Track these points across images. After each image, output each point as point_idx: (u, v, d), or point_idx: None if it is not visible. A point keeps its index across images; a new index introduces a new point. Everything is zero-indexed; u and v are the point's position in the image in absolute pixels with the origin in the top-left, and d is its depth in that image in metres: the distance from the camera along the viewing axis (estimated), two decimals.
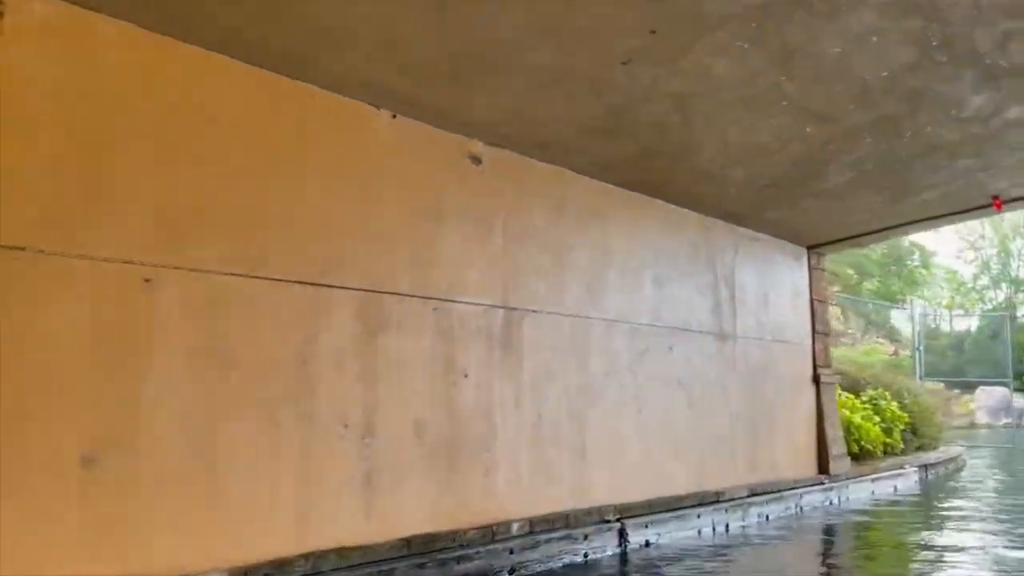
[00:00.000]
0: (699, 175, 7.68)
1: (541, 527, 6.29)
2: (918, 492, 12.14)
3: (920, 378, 17.37)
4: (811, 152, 7.26)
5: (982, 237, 49.13)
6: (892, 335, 33.40)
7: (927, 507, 10.85)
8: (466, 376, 5.98)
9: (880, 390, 13.53)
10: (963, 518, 9.52)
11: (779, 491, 9.25)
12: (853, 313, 26.43)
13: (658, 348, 8.02)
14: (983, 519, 9.41)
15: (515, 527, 6.08)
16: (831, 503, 10.12)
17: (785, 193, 8.56)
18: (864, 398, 13.35)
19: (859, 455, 12.18)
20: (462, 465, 5.85)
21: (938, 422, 15.30)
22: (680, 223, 8.54)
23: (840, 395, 13.22)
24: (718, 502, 8.31)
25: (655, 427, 7.84)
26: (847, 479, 10.74)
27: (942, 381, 22.26)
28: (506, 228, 6.51)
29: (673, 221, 8.43)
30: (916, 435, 13.99)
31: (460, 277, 6.06)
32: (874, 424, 12.55)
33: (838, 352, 46.63)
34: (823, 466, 10.46)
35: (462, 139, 6.19)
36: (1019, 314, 48.99)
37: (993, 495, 12.09)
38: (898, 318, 55.11)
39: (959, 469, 15.68)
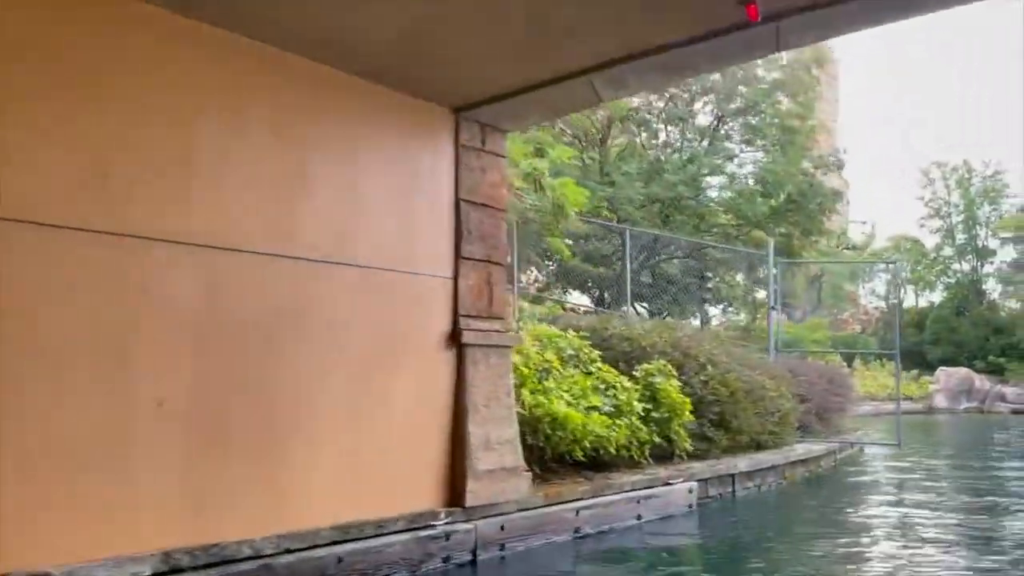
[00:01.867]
0: None
1: None
2: (687, 523, 7.59)
3: (775, 350, 12.76)
4: None
5: (947, 203, 44.52)
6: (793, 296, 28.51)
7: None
8: None
9: (661, 363, 8.90)
10: None
11: (279, 553, 4.66)
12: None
13: None
14: None
15: None
16: (448, 562, 5.53)
17: None
18: (638, 374, 8.74)
19: (595, 463, 7.61)
20: None
21: (787, 408, 10.72)
22: None
23: (603, 369, 8.65)
24: None
25: None
26: (516, 511, 6.16)
27: (798, 352, 17.57)
28: None
29: None
30: (726, 428, 9.40)
31: None
32: (629, 414, 7.94)
33: (793, 330, 42.13)
34: (456, 492, 5.86)
35: None
36: (986, 287, 44.59)
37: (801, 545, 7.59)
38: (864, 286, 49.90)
39: (819, 476, 11.18)
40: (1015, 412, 37.75)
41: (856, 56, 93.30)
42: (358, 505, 5.25)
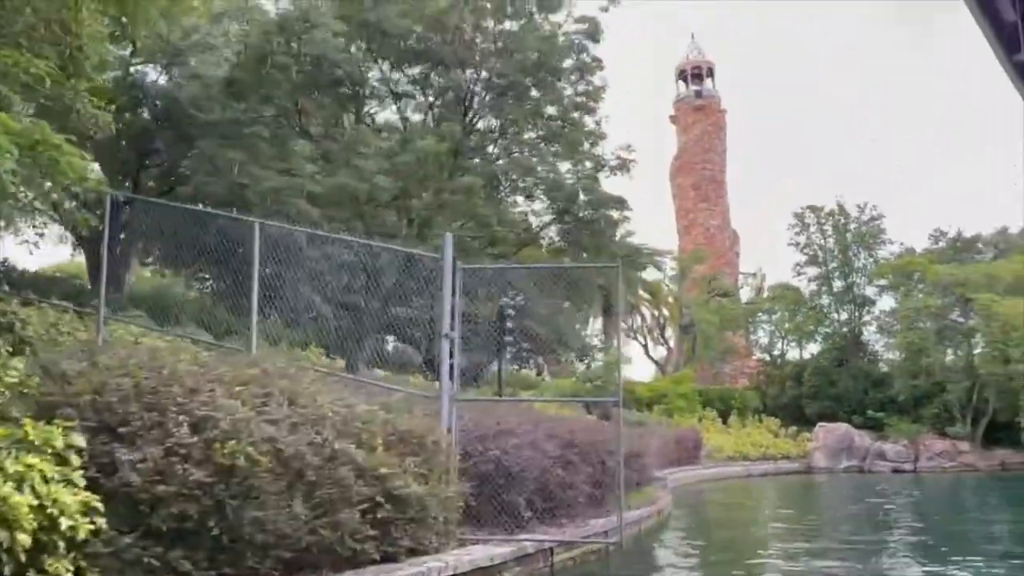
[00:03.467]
0: None
1: None
2: None
3: (449, 400, 8.34)
4: None
5: (823, 248, 42.28)
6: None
7: None
8: None
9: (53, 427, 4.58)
10: None
11: None
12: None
13: None
14: None
15: None
16: None
17: None
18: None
19: None
20: None
21: (407, 493, 6.48)
22: None
23: None
24: None
25: None
26: None
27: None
28: None
29: None
30: (214, 542, 5.11)
31: None
32: None
33: (661, 384, 38.44)
34: None
35: None
36: (865, 337, 42.26)
37: None
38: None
39: None
40: (896, 471, 34.87)
41: (744, 107, 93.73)
42: None
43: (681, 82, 61.87)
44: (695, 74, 61.84)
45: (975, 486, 26.80)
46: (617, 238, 14.83)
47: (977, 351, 35.71)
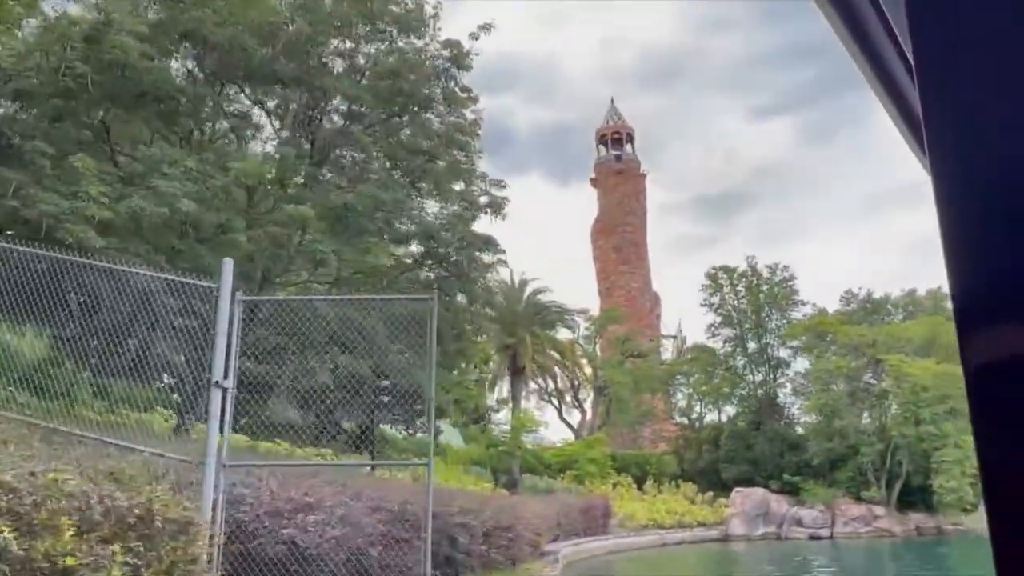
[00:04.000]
0: None
1: None
2: None
3: (217, 463, 6.46)
4: None
5: (735, 309, 41.87)
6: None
7: None
8: None
9: None
10: None
11: None
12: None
13: None
14: None
15: None
16: None
17: None
18: None
19: None
20: None
21: None
22: None
23: None
24: None
25: None
26: None
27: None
28: None
29: None
30: None
31: None
32: None
33: (572, 449, 36.81)
34: None
35: None
36: (781, 400, 41.70)
37: None
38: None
39: None
40: (813, 537, 33.79)
41: (664, 172, 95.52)
42: None
43: (601, 146, 62.23)
44: (615, 139, 62.28)
45: (892, 553, 25.86)
46: (489, 282, 13.39)
47: (891, 412, 35.36)
